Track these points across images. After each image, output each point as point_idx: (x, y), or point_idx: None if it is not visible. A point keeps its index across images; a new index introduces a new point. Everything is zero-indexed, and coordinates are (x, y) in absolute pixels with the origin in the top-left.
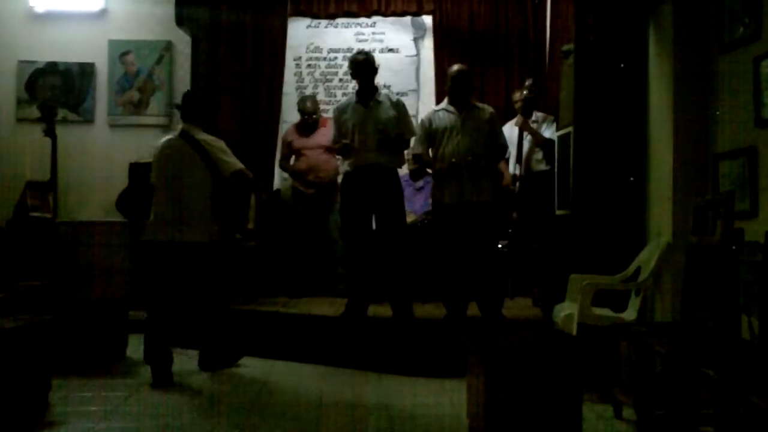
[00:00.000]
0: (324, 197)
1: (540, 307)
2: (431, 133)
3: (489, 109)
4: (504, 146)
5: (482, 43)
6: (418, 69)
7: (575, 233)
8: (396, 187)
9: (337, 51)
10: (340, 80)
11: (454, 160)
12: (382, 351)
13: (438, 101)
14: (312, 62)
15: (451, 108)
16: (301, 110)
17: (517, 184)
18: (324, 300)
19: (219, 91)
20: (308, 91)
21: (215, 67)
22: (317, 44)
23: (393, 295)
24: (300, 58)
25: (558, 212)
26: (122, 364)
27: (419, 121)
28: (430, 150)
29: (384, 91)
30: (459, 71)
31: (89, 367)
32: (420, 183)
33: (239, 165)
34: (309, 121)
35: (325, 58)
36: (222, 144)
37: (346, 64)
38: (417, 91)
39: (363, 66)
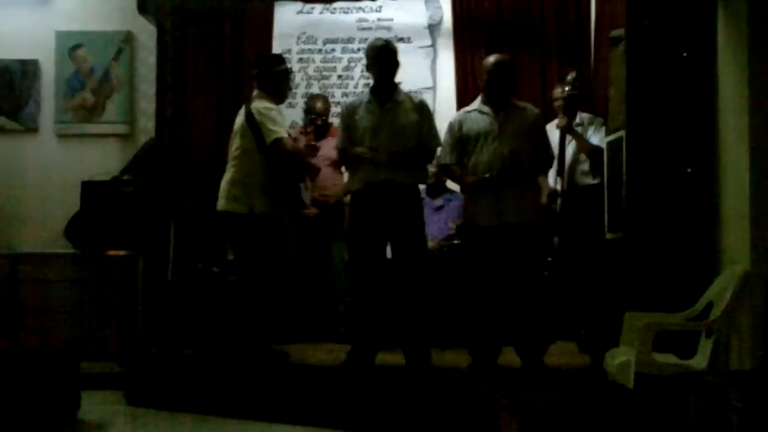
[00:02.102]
0: (329, 220)
1: (588, 352)
2: (462, 140)
3: (534, 109)
4: (552, 156)
5: (512, 29)
6: (433, 62)
7: (630, 261)
8: (416, 209)
9: (334, 41)
10: (339, 77)
11: (487, 175)
12: (393, 409)
13: (459, 100)
14: (304, 55)
15: (487, 108)
16: (309, 109)
17: (559, 201)
18: (321, 346)
19: (191, 91)
20: (300, 90)
21: (186, 64)
22: (310, 34)
23: (407, 340)
24: (290, 50)
25: (609, 236)
26: (72, 430)
27: (447, 124)
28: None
29: (405, 90)
30: (498, 62)
31: None
32: (439, 201)
33: (280, 134)
34: (318, 124)
35: (320, 51)
36: (273, 113)
37: (345, 57)
38: (433, 89)
39: (381, 54)
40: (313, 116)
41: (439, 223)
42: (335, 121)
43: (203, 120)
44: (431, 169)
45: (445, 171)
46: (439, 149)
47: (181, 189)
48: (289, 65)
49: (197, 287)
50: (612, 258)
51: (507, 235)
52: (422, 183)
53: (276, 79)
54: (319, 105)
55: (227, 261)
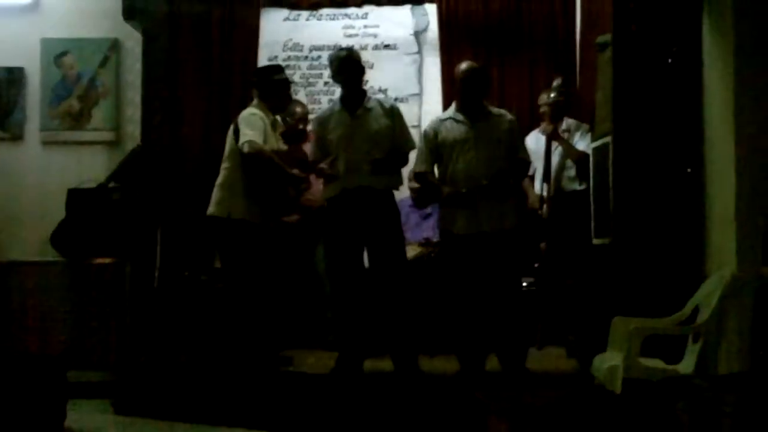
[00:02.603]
0: (312, 226)
1: (576, 357)
2: (437, 148)
3: (508, 116)
4: (526, 162)
5: (499, 35)
6: (420, 69)
7: (617, 266)
8: (392, 215)
9: (321, 48)
10: (326, 83)
11: (464, 190)
12: (383, 415)
13: (445, 107)
14: (291, 62)
15: (461, 116)
16: (290, 115)
17: (545, 207)
18: (310, 353)
19: (178, 98)
20: None
21: (173, 70)
22: (297, 41)
23: (394, 346)
24: (276, 57)
25: (596, 241)
26: None
27: (422, 132)
28: (435, 168)
29: (375, 96)
30: (469, 70)
31: None
32: (429, 209)
33: (250, 137)
34: (297, 130)
35: (306, 57)
36: (254, 118)
37: None
38: (419, 95)
39: (345, 65)
40: (295, 121)
41: (427, 231)
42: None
43: (190, 127)
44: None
45: (420, 179)
46: (412, 155)
47: (168, 196)
48: (300, 80)
49: (184, 295)
50: (599, 263)
51: (484, 243)
52: (396, 189)
53: (274, 88)
54: (297, 110)
55: (215, 268)
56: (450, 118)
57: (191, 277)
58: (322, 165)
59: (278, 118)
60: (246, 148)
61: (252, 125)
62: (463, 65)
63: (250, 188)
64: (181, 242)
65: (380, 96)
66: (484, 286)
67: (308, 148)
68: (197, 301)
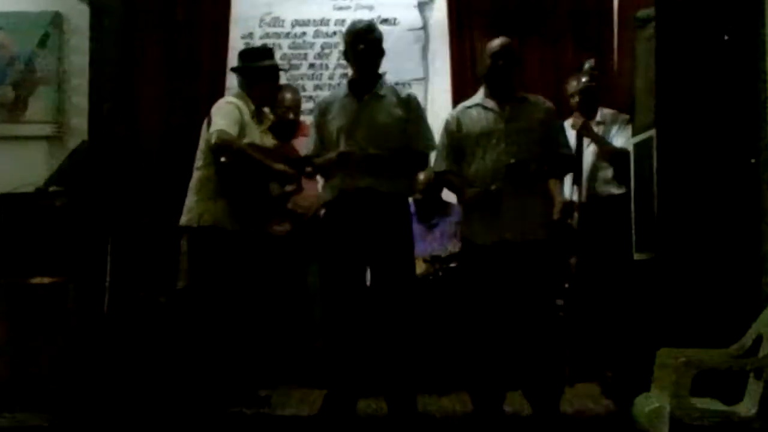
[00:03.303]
0: (304, 239)
1: (613, 397)
2: (460, 142)
3: (546, 103)
4: (571, 157)
5: (519, 8)
6: (425, 48)
7: (663, 286)
8: (402, 225)
9: (305, 24)
10: (311, 66)
11: (493, 187)
12: None
13: (456, 95)
14: (269, 40)
15: (491, 103)
16: (279, 104)
17: (576, 215)
18: (293, 392)
19: (135, 84)
20: None
21: (128, 50)
22: (276, 15)
23: (390, 383)
24: (251, 34)
25: (637, 256)
26: None
27: (443, 123)
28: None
29: (390, 82)
30: (503, 47)
31: None
32: (435, 219)
33: (220, 126)
34: (286, 121)
35: (288, 35)
36: (229, 107)
37: (318, 42)
38: (424, 81)
39: (364, 40)
40: (281, 110)
41: (433, 243)
42: (308, 118)
43: (148, 118)
44: (420, 178)
45: (440, 180)
46: (432, 154)
47: (121, 202)
48: (281, 61)
49: (140, 321)
50: (641, 283)
51: (509, 255)
52: (409, 195)
53: (260, 76)
54: (288, 96)
55: (177, 289)
56: (477, 104)
57: (148, 299)
58: (327, 155)
59: (267, 110)
60: (213, 139)
61: (225, 114)
62: (496, 42)
63: (224, 188)
64: (137, 257)
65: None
66: (510, 309)
67: (302, 143)
68: (156, 327)
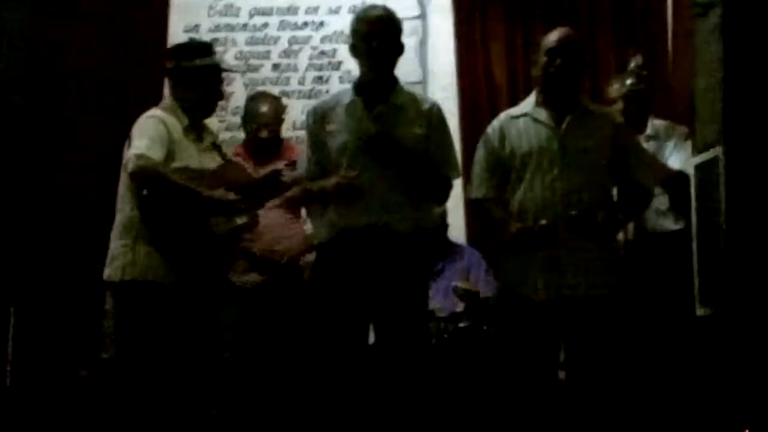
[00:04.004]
0: (280, 291)
1: None
2: (503, 161)
3: (615, 116)
4: (646, 190)
5: None
6: (423, 44)
7: (735, 353)
8: (417, 272)
9: (267, 13)
10: (275, 66)
11: (543, 222)
12: None
13: (463, 102)
14: (221, 34)
15: (543, 114)
16: (251, 118)
17: (622, 254)
18: None
19: (41, 99)
20: None
21: (32, 51)
22: (229, 1)
23: None
24: (197, 26)
25: (700, 311)
26: None
27: (483, 135)
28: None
29: (407, 88)
30: (563, 41)
31: None
32: (439, 264)
33: (139, 150)
34: (265, 139)
35: (245, 27)
36: (149, 122)
37: (285, 36)
38: (422, 84)
39: (381, 31)
40: (256, 126)
41: (437, 295)
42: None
43: (61, 140)
44: (436, 210)
45: (477, 210)
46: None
47: (25, 256)
48: (236, 61)
49: (51, 399)
50: (706, 347)
51: (571, 316)
52: (428, 231)
53: (196, 79)
54: (265, 109)
55: (101, 359)
56: (526, 114)
57: (64, 373)
58: (335, 179)
59: (208, 122)
60: (129, 166)
61: (145, 133)
62: (555, 34)
63: (150, 230)
64: (47, 322)
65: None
66: (572, 384)
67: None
68: (72, 408)
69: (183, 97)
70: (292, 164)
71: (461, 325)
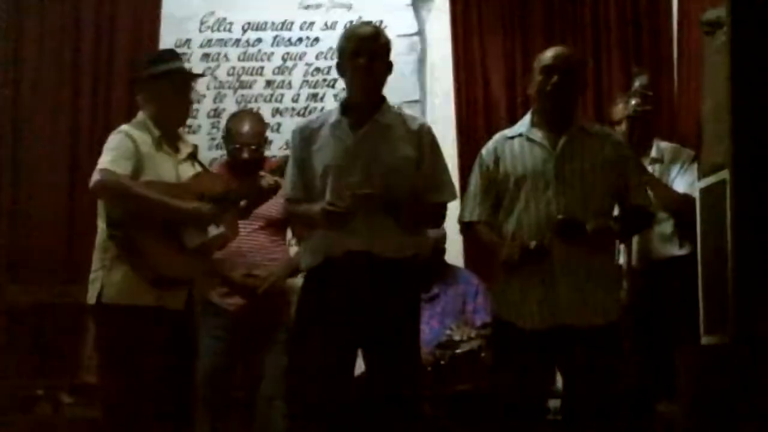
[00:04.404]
0: (262, 318)
1: None
2: (497, 183)
3: (614, 136)
4: (646, 213)
5: (545, 7)
6: (421, 61)
7: (740, 382)
8: (407, 300)
9: (261, 28)
10: (269, 83)
11: (533, 243)
12: None
13: (460, 123)
14: (212, 49)
15: (538, 134)
16: (231, 137)
17: (625, 284)
18: None
19: (24, 107)
20: (204, 106)
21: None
22: (222, 14)
23: None
24: (188, 41)
25: (706, 340)
26: None
27: (478, 157)
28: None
29: (397, 107)
30: (559, 59)
31: None
32: (434, 289)
33: (102, 165)
34: (249, 161)
35: (237, 42)
36: (117, 137)
37: (279, 52)
38: (420, 103)
39: (369, 48)
40: (237, 146)
41: (431, 322)
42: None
43: (45, 152)
44: (431, 235)
45: (469, 233)
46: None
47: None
48: (228, 77)
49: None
50: (713, 376)
51: (567, 346)
52: (418, 257)
53: (157, 86)
54: (246, 128)
55: (83, 385)
56: (521, 135)
57: (47, 398)
58: (325, 205)
59: (187, 139)
60: (90, 183)
61: (111, 149)
62: (550, 51)
63: (122, 249)
64: (34, 344)
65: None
66: (568, 417)
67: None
68: None
69: (152, 108)
70: (276, 171)
71: (457, 352)
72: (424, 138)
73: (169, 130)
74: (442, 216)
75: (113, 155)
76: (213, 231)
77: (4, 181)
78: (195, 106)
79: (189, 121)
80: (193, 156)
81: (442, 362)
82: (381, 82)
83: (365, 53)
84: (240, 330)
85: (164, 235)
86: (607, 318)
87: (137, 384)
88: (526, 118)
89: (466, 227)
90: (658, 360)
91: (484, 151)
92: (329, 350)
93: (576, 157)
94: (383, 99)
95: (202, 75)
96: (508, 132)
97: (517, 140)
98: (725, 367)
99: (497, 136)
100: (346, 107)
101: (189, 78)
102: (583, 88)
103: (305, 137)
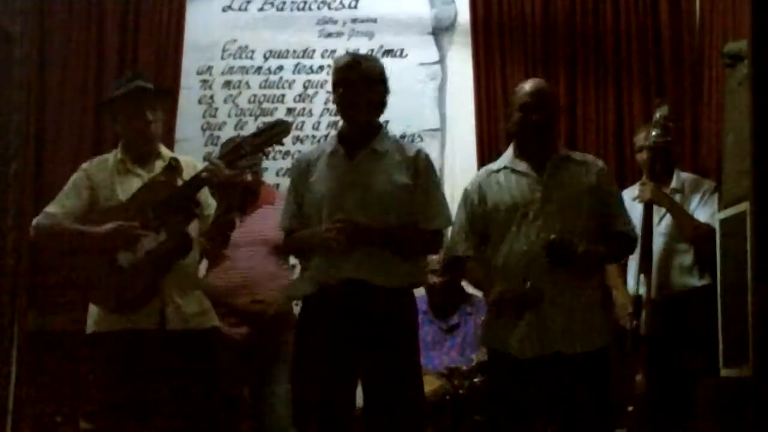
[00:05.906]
0: (263, 345)
1: None
2: (484, 218)
3: (597, 163)
4: (634, 238)
5: (567, 36)
6: (441, 89)
7: (763, 417)
8: (407, 327)
9: (283, 56)
10: (290, 111)
11: (528, 284)
12: None
13: (482, 152)
14: (234, 77)
15: (522, 165)
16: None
17: (644, 315)
18: None
19: (44, 137)
20: (227, 132)
21: (44, 87)
22: (244, 42)
23: None
24: (210, 69)
25: (725, 372)
26: None
27: (463, 192)
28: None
29: (394, 136)
30: (534, 94)
31: None
32: (454, 318)
33: (48, 208)
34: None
35: (259, 70)
36: (74, 177)
37: (300, 79)
38: (440, 131)
39: (348, 78)
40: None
41: (451, 352)
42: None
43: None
44: (434, 264)
45: (455, 269)
46: (448, 232)
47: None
48: (249, 105)
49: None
50: (732, 410)
51: (559, 373)
52: (415, 286)
53: (114, 109)
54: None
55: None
56: (506, 168)
57: (63, 424)
58: (318, 233)
59: (164, 152)
60: (32, 233)
61: (63, 189)
62: (527, 85)
63: (80, 284)
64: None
65: (398, 136)
66: None
67: (265, 217)
68: None
69: (117, 129)
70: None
71: (476, 380)
72: (420, 164)
73: (138, 149)
74: (437, 243)
75: (58, 196)
76: (160, 238)
77: (27, 209)
78: (216, 133)
79: (210, 149)
80: (170, 167)
81: (461, 391)
82: (368, 110)
83: (341, 84)
84: (239, 358)
85: (102, 261)
86: (595, 345)
87: (125, 408)
88: (509, 151)
89: (453, 262)
90: (676, 392)
91: (469, 186)
92: (328, 381)
93: (562, 183)
94: (380, 126)
95: (164, 92)
96: (492, 166)
97: (502, 173)
98: (747, 400)
99: (481, 171)
100: (341, 137)
101: (145, 95)
102: (558, 116)
103: (302, 170)
